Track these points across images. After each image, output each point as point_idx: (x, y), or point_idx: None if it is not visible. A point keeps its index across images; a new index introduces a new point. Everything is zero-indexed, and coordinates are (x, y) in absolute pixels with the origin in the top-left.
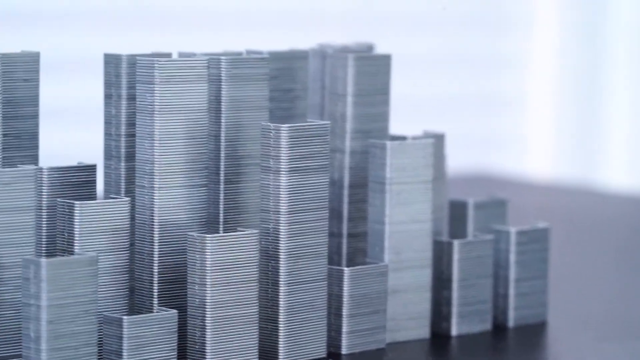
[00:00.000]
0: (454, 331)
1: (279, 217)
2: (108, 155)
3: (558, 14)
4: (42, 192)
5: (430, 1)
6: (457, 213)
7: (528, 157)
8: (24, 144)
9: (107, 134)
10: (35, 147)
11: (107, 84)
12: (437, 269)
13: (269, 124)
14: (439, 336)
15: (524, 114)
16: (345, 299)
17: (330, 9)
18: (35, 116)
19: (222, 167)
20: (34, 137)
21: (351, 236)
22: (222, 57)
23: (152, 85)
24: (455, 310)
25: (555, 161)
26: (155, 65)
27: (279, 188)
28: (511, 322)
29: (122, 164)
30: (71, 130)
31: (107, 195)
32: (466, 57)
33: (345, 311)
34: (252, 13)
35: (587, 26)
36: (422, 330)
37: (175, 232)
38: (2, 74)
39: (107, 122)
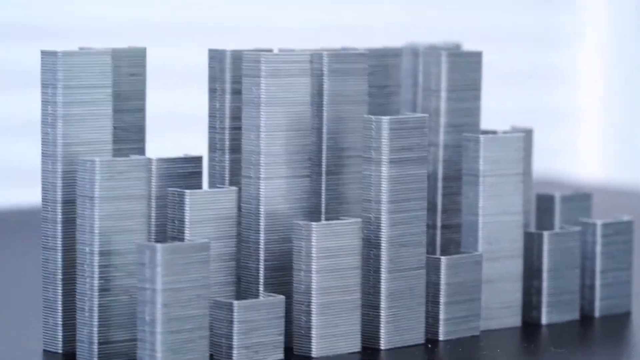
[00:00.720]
0: (544, 320)
1: (380, 206)
2: (212, 147)
3: (607, 25)
4: (151, 182)
5: (489, 19)
6: (543, 206)
7: (579, 162)
8: (131, 136)
9: (212, 127)
10: (142, 139)
11: (212, 79)
12: (527, 259)
13: (370, 116)
14: (529, 325)
15: (575, 123)
16: (442, 287)
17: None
18: (142, 109)
19: (324, 159)
20: (140, 130)
21: (445, 228)
22: (324, 52)
23: (258, 79)
24: (545, 299)
25: (604, 165)
26: (262, 59)
27: (380, 178)
28: (597, 312)
29: (227, 156)
30: (175, 125)
31: (212, 186)
32: (520, 69)
33: (442, 299)
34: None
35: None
36: (513, 318)
37: (280, 221)
38: (111, 68)
39: (212, 116)
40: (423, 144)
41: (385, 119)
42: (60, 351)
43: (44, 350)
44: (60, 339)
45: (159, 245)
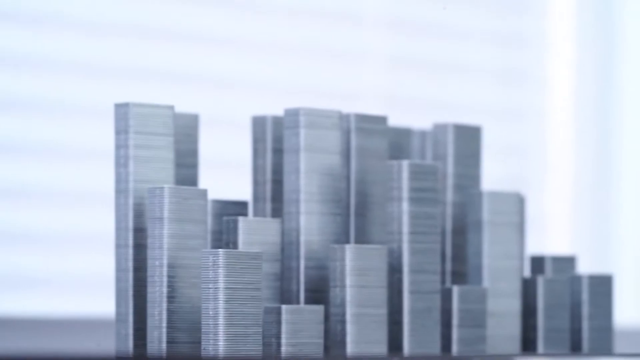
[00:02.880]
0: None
1: (401, 237)
2: (256, 198)
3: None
4: (207, 209)
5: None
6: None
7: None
8: (187, 183)
9: (255, 181)
10: (195, 184)
11: (255, 140)
12: (524, 300)
13: (392, 161)
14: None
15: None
16: (454, 313)
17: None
18: (195, 166)
19: (352, 201)
20: (194, 182)
21: (453, 274)
22: (351, 113)
23: (297, 129)
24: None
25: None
26: (301, 111)
27: (402, 213)
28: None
29: (269, 204)
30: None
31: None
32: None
33: (454, 322)
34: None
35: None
36: (514, 348)
37: (316, 250)
38: (173, 120)
39: (255, 171)
40: (435, 187)
41: (405, 162)
42: (131, 356)
43: (117, 357)
44: (132, 346)
45: (221, 250)
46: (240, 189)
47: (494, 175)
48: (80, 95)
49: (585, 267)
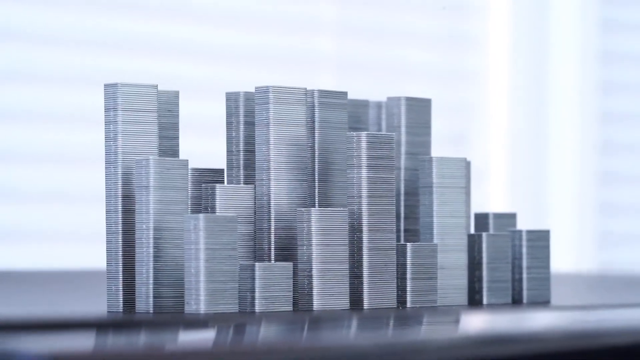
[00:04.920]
0: (485, 301)
1: (361, 200)
2: (230, 166)
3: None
4: (188, 178)
5: None
6: (479, 221)
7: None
8: (168, 156)
9: (229, 151)
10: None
11: (228, 114)
12: (470, 254)
13: (352, 132)
14: (474, 304)
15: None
16: (408, 267)
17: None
18: (176, 138)
19: (316, 169)
20: (175, 154)
21: (406, 231)
22: (315, 89)
23: (267, 105)
24: (485, 286)
25: None
26: (270, 88)
27: (361, 179)
28: (525, 299)
29: (242, 171)
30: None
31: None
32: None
33: (408, 275)
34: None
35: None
36: (462, 298)
37: (284, 212)
38: (157, 98)
39: (229, 142)
40: (391, 155)
41: (363, 133)
42: (121, 310)
43: (108, 311)
44: (121, 301)
45: (201, 215)
46: (212, 153)
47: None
48: (61, 66)
49: (522, 224)
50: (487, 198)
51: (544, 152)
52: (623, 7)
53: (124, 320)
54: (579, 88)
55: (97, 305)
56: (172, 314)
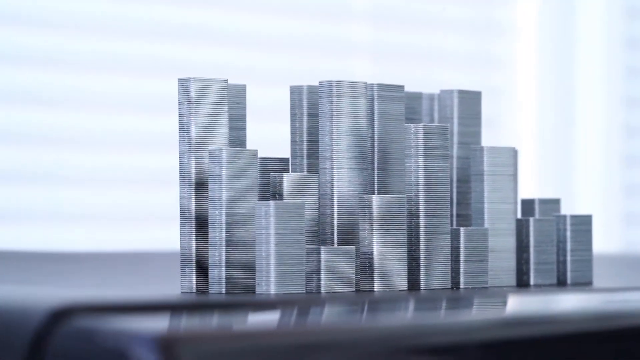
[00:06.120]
0: (532, 282)
1: (418, 187)
2: (294, 155)
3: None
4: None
5: None
6: (526, 206)
7: None
8: (237, 146)
9: (293, 141)
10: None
11: (292, 106)
12: (518, 238)
13: (410, 124)
14: (521, 285)
15: None
16: (462, 250)
17: None
18: (243, 129)
19: (375, 158)
20: (242, 143)
21: (458, 216)
22: (374, 83)
23: (330, 98)
24: (532, 267)
25: None
26: (333, 83)
27: (418, 167)
28: (569, 280)
29: (305, 160)
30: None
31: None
32: None
33: (462, 258)
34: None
35: None
36: (510, 279)
37: (347, 199)
38: (227, 92)
39: (293, 132)
40: (445, 145)
41: (420, 125)
42: (194, 291)
43: (182, 292)
44: (195, 282)
45: (271, 202)
46: (275, 143)
47: None
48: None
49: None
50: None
51: (570, 136)
52: None
53: (206, 302)
54: (605, 73)
55: (169, 286)
56: (243, 295)
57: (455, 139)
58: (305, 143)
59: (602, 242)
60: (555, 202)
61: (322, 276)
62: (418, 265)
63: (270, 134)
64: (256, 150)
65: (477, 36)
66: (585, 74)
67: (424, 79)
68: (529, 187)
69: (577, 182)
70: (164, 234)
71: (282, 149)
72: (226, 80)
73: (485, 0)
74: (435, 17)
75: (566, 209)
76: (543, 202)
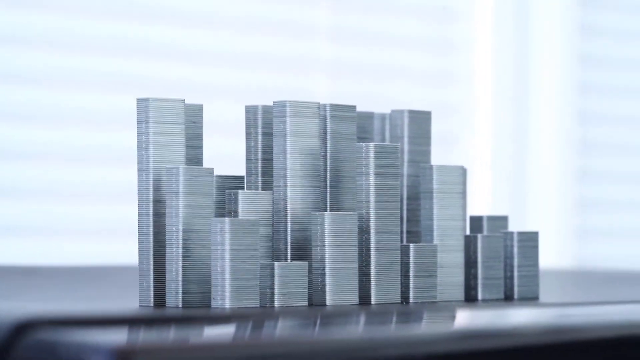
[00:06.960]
0: (480, 297)
1: (369, 204)
2: (249, 173)
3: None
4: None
5: None
6: (474, 224)
7: None
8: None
9: (248, 159)
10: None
11: (248, 125)
12: (466, 254)
13: (361, 143)
14: (469, 300)
15: None
16: (411, 265)
17: None
18: (200, 147)
19: (328, 176)
20: (199, 162)
21: (408, 233)
22: (327, 104)
23: (284, 117)
24: (480, 282)
25: None
26: (287, 103)
27: (369, 186)
28: (516, 295)
29: (260, 178)
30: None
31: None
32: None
33: (411, 273)
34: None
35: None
36: (459, 294)
37: (300, 215)
38: (184, 112)
39: (248, 151)
40: (396, 163)
41: (371, 144)
42: (152, 305)
43: (140, 306)
44: (152, 296)
45: (227, 219)
46: (229, 160)
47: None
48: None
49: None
50: (472, 196)
51: (524, 151)
52: (602, 12)
53: (163, 316)
54: (560, 89)
55: (128, 300)
56: (199, 309)
57: (406, 157)
58: (260, 161)
59: (555, 257)
60: (503, 219)
61: (276, 291)
62: (369, 280)
63: (226, 151)
64: (212, 169)
65: (434, 53)
66: (540, 89)
67: (381, 95)
68: (484, 204)
69: (531, 197)
70: (124, 247)
71: (237, 166)
72: (183, 100)
73: (442, 17)
74: (393, 34)
75: (520, 225)
76: (491, 219)
